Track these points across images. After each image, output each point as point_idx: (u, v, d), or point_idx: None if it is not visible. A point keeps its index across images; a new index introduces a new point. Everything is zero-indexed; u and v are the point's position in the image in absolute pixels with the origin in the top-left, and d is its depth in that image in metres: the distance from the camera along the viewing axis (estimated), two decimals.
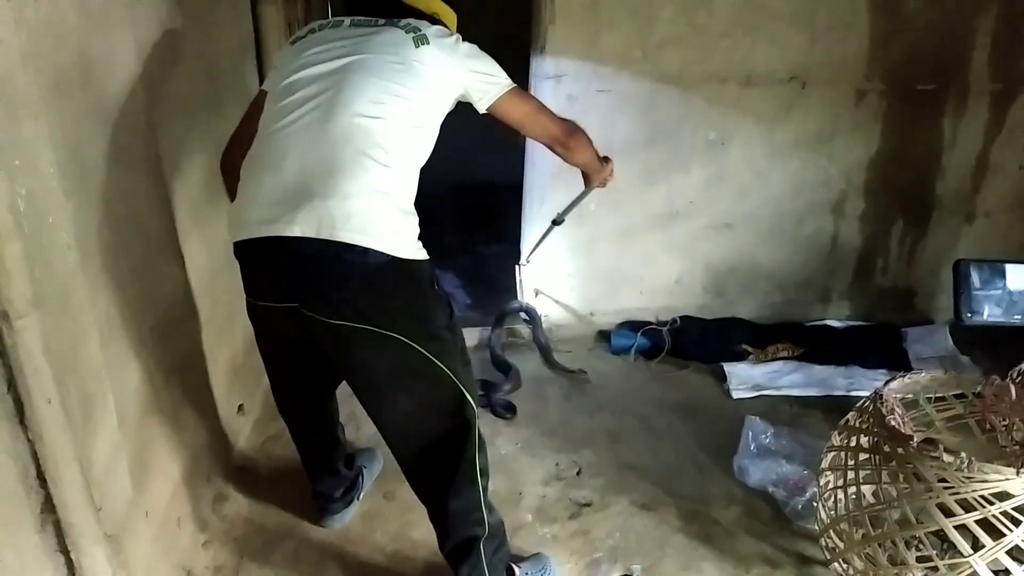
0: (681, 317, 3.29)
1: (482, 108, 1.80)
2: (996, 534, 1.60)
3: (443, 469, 1.72)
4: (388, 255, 1.53)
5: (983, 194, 3.29)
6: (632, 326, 3.29)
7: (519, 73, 3.01)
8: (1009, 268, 1.00)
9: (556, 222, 2.84)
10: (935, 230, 3.35)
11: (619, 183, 3.08)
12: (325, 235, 1.49)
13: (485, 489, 1.77)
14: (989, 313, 1.00)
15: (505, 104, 1.80)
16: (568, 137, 1.97)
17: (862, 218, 3.30)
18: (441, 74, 1.70)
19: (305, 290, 1.56)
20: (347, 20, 1.78)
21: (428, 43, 1.69)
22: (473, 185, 4.46)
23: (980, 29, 3.03)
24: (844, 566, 1.89)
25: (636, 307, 3.34)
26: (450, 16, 1.93)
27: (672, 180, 3.14)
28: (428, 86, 1.67)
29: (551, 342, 3.22)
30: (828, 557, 1.96)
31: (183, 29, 2.02)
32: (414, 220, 1.62)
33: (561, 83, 2.94)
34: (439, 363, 1.63)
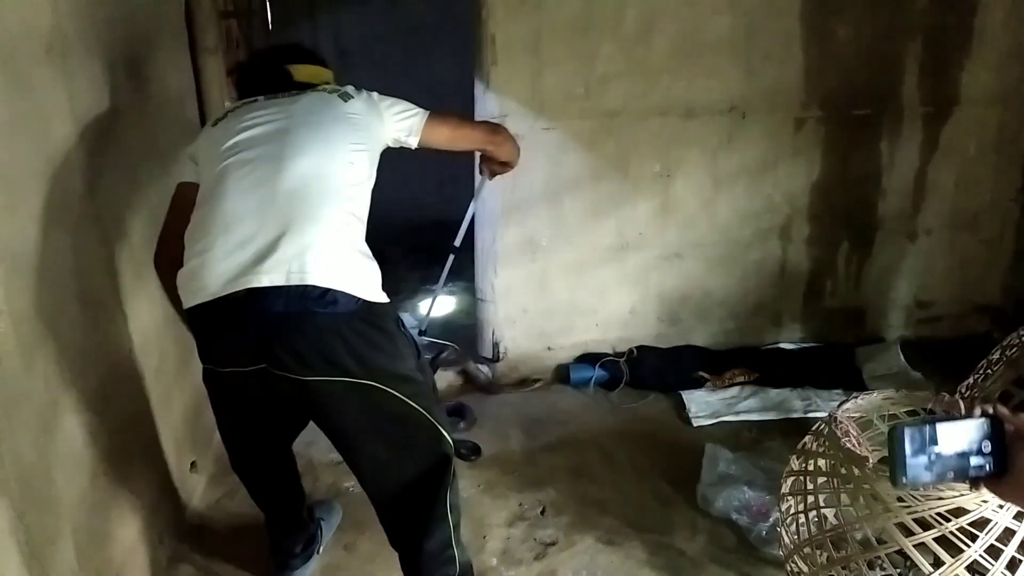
0: (637, 347, 3.30)
1: (413, 143, 1.89)
2: (955, 550, 1.61)
3: (420, 508, 1.73)
4: (358, 298, 1.55)
5: (923, 213, 3.38)
6: (590, 359, 3.30)
7: (465, 113, 3.05)
8: (940, 429, 1.02)
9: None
10: (880, 250, 3.42)
11: (569, 218, 3.14)
12: (295, 281, 1.49)
13: (457, 526, 1.79)
14: (921, 479, 1.03)
15: (430, 131, 1.89)
16: (493, 135, 2.13)
17: (808, 242, 3.36)
18: (371, 122, 1.78)
19: (274, 349, 1.53)
20: (261, 97, 1.82)
21: (352, 97, 1.80)
22: (425, 225, 4.46)
23: (908, 55, 3.13)
24: None
25: (593, 339, 3.35)
26: (332, 78, 2.03)
27: (620, 213, 3.18)
28: (365, 134, 1.75)
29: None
30: None
31: (119, 82, 1.99)
32: (375, 263, 1.65)
33: (506, 122, 2.95)
34: (414, 404, 1.64)
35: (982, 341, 3.07)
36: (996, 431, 1.06)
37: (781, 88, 3.11)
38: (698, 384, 3.17)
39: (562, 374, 3.30)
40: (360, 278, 1.58)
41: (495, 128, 2.17)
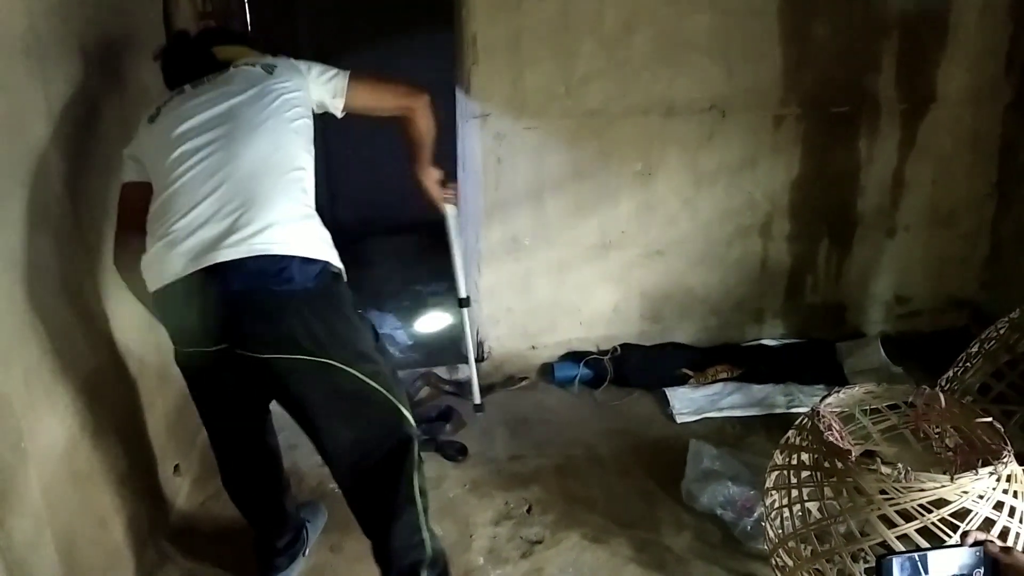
0: (621, 345, 3.31)
1: (339, 105, 1.91)
2: (937, 542, 1.63)
3: (385, 491, 1.74)
4: (316, 270, 1.60)
5: (902, 209, 3.42)
6: (574, 357, 3.30)
7: (446, 113, 3.05)
8: (932, 558, 1.01)
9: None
10: (859, 246, 3.45)
11: (552, 218, 3.15)
12: (258, 251, 1.54)
13: (426, 509, 1.81)
14: None
15: (354, 91, 1.91)
16: (415, 96, 2.05)
17: (789, 238, 3.39)
18: (299, 87, 1.81)
19: (235, 329, 1.59)
20: (186, 87, 1.82)
21: (276, 66, 1.83)
22: (407, 226, 4.45)
23: (885, 53, 3.16)
24: None
25: (577, 338, 3.36)
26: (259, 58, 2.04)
27: (602, 211, 3.19)
28: (298, 101, 1.79)
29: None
30: None
31: (97, 85, 1.98)
32: (327, 232, 1.70)
33: (488, 122, 2.96)
34: (374, 383, 1.67)
35: (961, 335, 3.11)
36: (989, 559, 1.05)
37: (760, 86, 3.13)
38: (681, 381, 3.18)
39: (546, 373, 3.31)
40: (317, 243, 1.63)
41: (418, 90, 2.08)
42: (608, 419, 2.99)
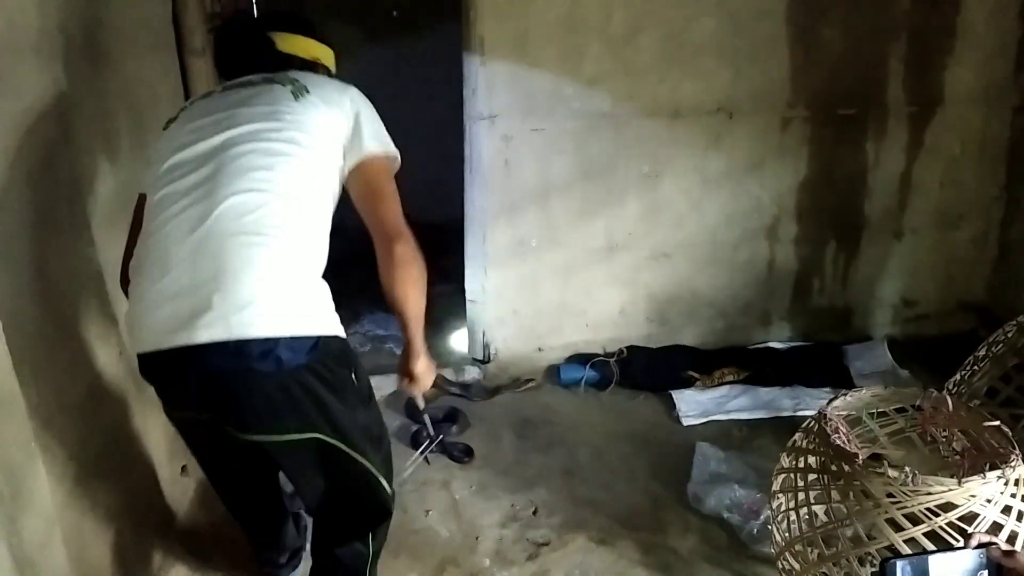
0: (627, 347, 3.31)
1: (349, 164, 1.59)
2: (944, 545, 1.62)
3: (346, 531, 1.72)
4: (307, 346, 1.41)
5: (908, 212, 3.41)
6: (580, 359, 3.30)
7: (453, 114, 3.06)
8: (933, 562, 1.01)
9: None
10: (866, 249, 3.44)
11: (559, 219, 3.15)
12: (237, 335, 1.35)
13: (376, 555, 1.75)
14: None
15: (371, 166, 1.59)
16: (408, 244, 1.60)
17: (796, 241, 3.38)
18: (325, 123, 1.54)
19: (217, 407, 1.48)
20: (219, 88, 1.64)
21: (308, 93, 1.56)
22: (413, 225, 4.45)
23: (892, 55, 3.16)
24: None
25: (583, 340, 3.36)
26: (331, 58, 1.81)
27: (609, 213, 3.19)
28: (313, 141, 1.51)
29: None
30: None
31: (107, 85, 1.98)
32: (326, 291, 1.49)
33: (495, 123, 2.96)
34: (356, 455, 1.56)
35: (968, 338, 3.10)
36: (993, 562, 1.04)
37: (767, 89, 3.13)
38: (688, 384, 3.18)
39: (553, 375, 3.31)
40: (309, 317, 1.43)
41: (416, 247, 1.63)
42: (614, 421, 2.99)
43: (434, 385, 3.11)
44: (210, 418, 1.51)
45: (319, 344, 1.43)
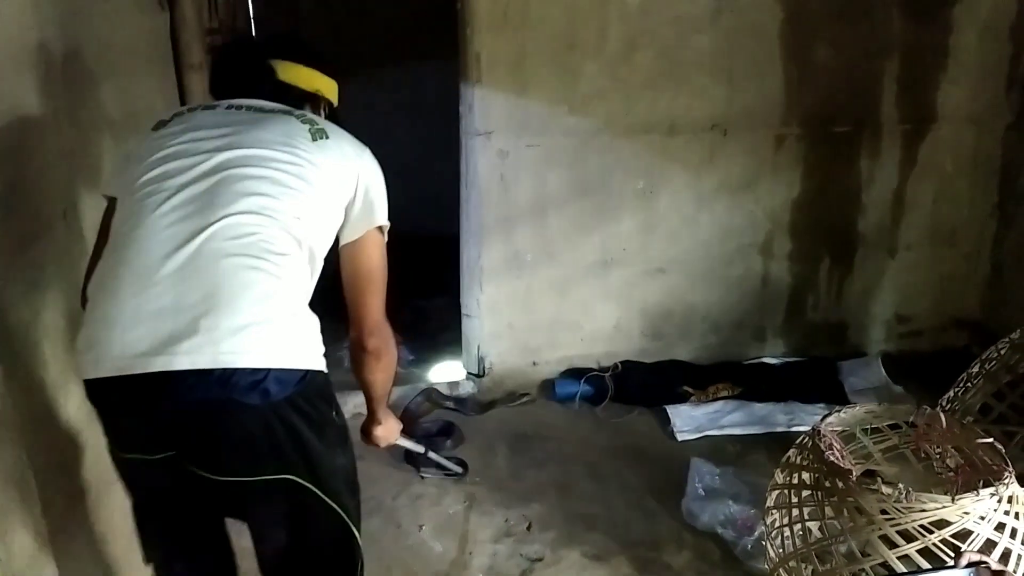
0: (622, 362, 3.31)
1: (350, 235, 1.51)
2: (938, 562, 1.63)
3: None
4: (294, 380, 1.30)
5: (903, 228, 3.43)
6: (575, 374, 3.30)
7: (449, 130, 3.08)
8: None
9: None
10: (860, 265, 3.46)
11: (554, 234, 3.16)
12: (224, 363, 1.23)
13: None
14: None
15: (372, 241, 1.53)
16: (382, 338, 1.59)
17: (790, 257, 3.40)
18: (338, 175, 1.45)
19: (188, 441, 1.30)
20: (223, 104, 1.51)
21: (327, 138, 1.46)
22: (409, 238, 4.45)
23: (886, 74, 3.19)
24: None
25: (578, 355, 3.36)
26: (334, 90, 1.70)
27: (604, 229, 3.20)
28: (324, 187, 1.42)
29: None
30: None
31: (105, 100, 1.99)
32: (316, 323, 1.39)
33: (491, 139, 2.98)
34: (330, 501, 1.41)
35: (962, 355, 3.12)
36: None
37: (762, 106, 3.15)
38: (682, 399, 3.18)
39: (547, 389, 3.30)
40: (300, 349, 1.33)
41: (392, 334, 1.62)
42: (609, 436, 2.99)
43: (429, 399, 3.15)
44: (170, 457, 1.32)
45: (306, 378, 1.33)
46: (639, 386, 3.22)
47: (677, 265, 3.31)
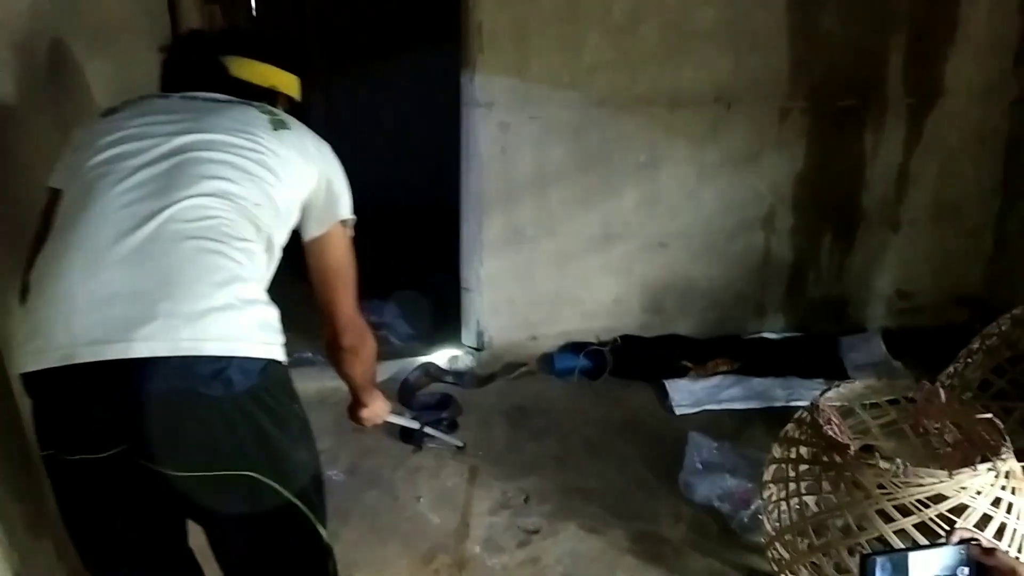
0: (621, 337, 3.31)
1: (315, 230, 1.48)
2: (934, 537, 1.63)
3: None
4: (258, 369, 1.23)
5: (906, 204, 3.40)
6: (574, 348, 3.30)
7: (450, 102, 3.05)
8: (913, 558, 1.01)
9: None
10: (863, 241, 3.44)
11: (555, 208, 3.14)
12: (186, 351, 1.16)
13: None
14: None
15: (337, 236, 1.50)
16: (356, 334, 1.58)
17: (792, 232, 3.38)
18: (299, 168, 1.41)
19: (142, 434, 1.19)
20: (176, 94, 1.46)
21: (288, 128, 1.42)
22: (409, 212, 4.45)
23: (892, 47, 3.15)
24: None
25: (577, 329, 3.36)
26: (294, 85, 1.62)
27: (606, 203, 3.18)
28: (286, 177, 1.38)
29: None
30: (775, 569, 1.97)
31: (101, 70, 1.97)
32: (277, 313, 1.32)
33: (492, 111, 2.95)
34: (293, 498, 1.33)
35: (962, 331, 3.09)
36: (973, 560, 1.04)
37: (766, 79, 3.12)
38: (681, 373, 3.18)
39: (547, 363, 3.30)
40: (262, 336, 1.26)
41: (358, 318, 1.59)
42: (607, 410, 2.99)
43: (428, 373, 3.15)
44: (119, 453, 1.21)
45: (268, 368, 1.25)
46: (638, 360, 3.22)
47: (678, 240, 3.30)
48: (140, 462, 1.22)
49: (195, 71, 1.50)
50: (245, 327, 1.23)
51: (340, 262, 1.52)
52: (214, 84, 1.47)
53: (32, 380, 1.19)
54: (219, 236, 1.24)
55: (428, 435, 2.66)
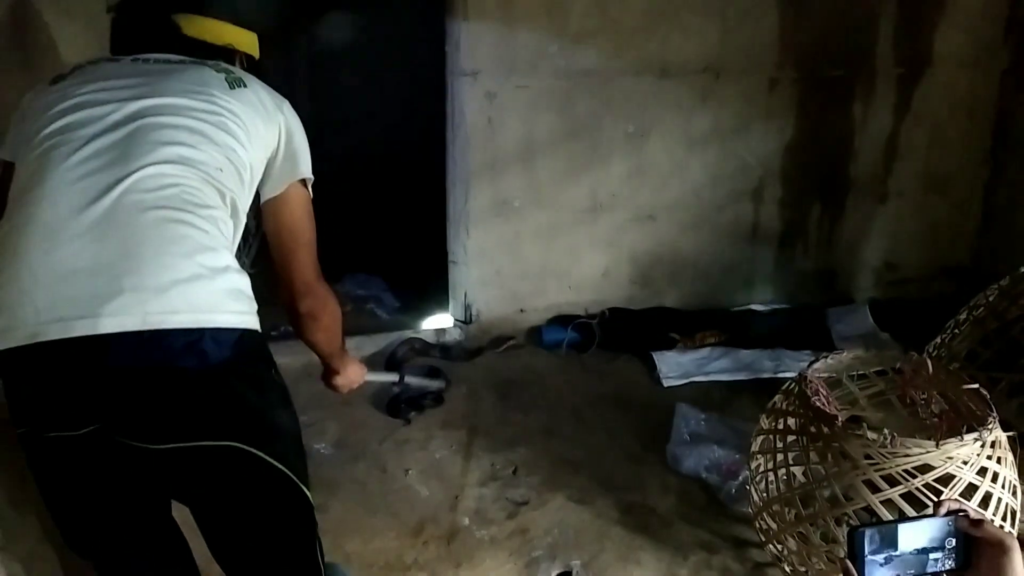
0: (610, 309, 3.30)
1: (272, 190, 1.43)
2: (920, 506, 1.64)
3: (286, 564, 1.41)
4: (232, 340, 1.21)
5: (895, 175, 3.40)
6: (562, 320, 3.29)
7: (435, 70, 3.00)
8: (901, 530, 1.01)
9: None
10: (851, 212, 3.44)
11: (542, 179, 3.11)
12: (154, 324, 1.12)
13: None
14: None
15: (296, 196, 1.44)
16: (316, 297, 1.50)
17: (780, 203, 3.37)
18: (259, 125, 1.36)
19: (117, 410, 1.17)
20: (127, 57, 1.40)
21: (245, 86, 1.37)
22: (395, 184, 4.40)
23: (883, 16, 3.13)
24: (779, 547, 1.91)
25: (565, 301, 3.34)
26: (251, 42, 1.55)
27: (594, 174, 3.15)
28: (245, 137, 1.33)
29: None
30: (763, 539, 1.98)
31: (74, 40, 1.92)
32: (248, 281, 1.29)
33: (478, 80, 2.91)
34: (278, 464, 1.30)
35: (950, 302, 3.10)
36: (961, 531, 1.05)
37: (756, 48, 3.09)
38: (669, 345, 3.18)
39: (535, 336, 3.29)
40: (234, 306, 1.23)
41: (330, 290, 1.54)
42: (595, 382, 2.99)
43: (414, 348, 3.13)
44: (96, 431, 1.19)
45: (243, 338, 1.23)
46: (626, 332, 3.22)
47: (667, 211, 3.28)
48: (118, 439, 1.19)
49: (146, 31, 1.43)
50: (215, 297, 1.19)
51: (298, 223, 1.46)
52: (167, 44, 1.41)
53: (1, 360, 1.15)
54: (182, 205, 1.20)
55: (408, 384, 2.64)
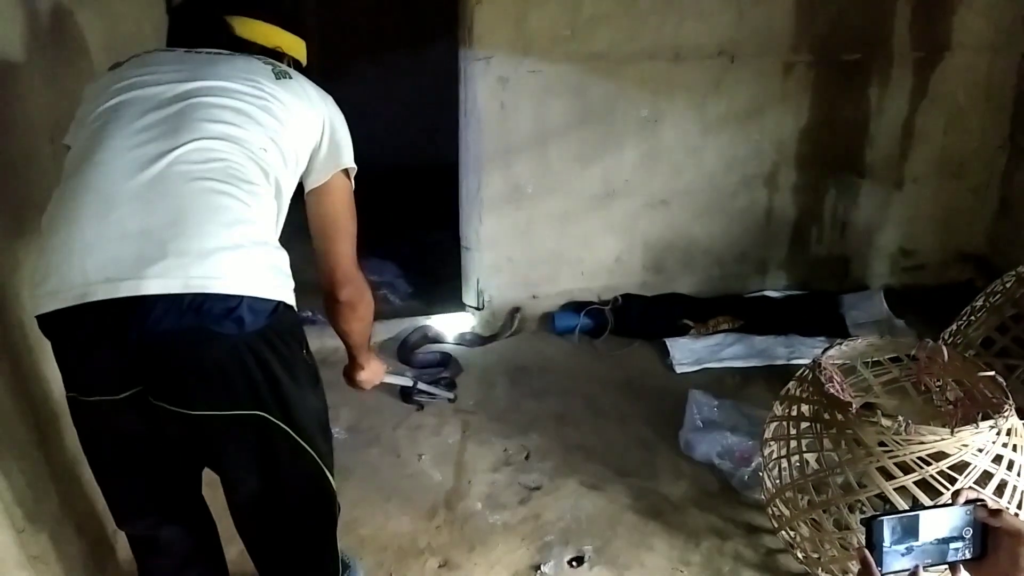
0: (623, 295, 3.29)
1: (316, 180, 1.49)
2: (934, 494, 1.63)
3: (303, 559, 1.47)
4: (269, 310, 1.26)
5: (911, 160, 3.36)
6: (575, 307, 3.29)
7: (448, 55, 2.99)
8: (923, 518, 1.00)
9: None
10: (866, 198, 3.41)
11: (555, 165, 3.10)
12: (196, 288, 1.17)
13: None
14: (900, 566, 1.00)
15: (339, 186, 1.50)
16: (355, 287, 1.57)
17: (795, 189, 3.34)
18: (303, 116, 1.42)
19: (157, 373, 1.23)
20: (181, 50, 1.47)
21: (291, 78, 1.44)
22: (408, 170, 4.40)
23: None
24: (791, 533, 1.91)
25: (578, 288, 3.34)
26: (299, 47, 1.61)
27: (607, 159, 3.14)
28: (290, 123, 1.39)
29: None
30: (775, 526, 1.99)
31: (90, 21, 1.92)
32: (286, 257, 1.35)
33: (491, 64, 2.89)
34: (302, 442, 1.36)
35: (966, 289, 3.10)
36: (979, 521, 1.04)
37: (771, 31, 3.05)
38: (682, 331, 3.17)
39: (547, 322, 3.29)
40: (273, 278, 1.28)
41: (367, 282, 1.61)
42: (608, 369, 2.99)
43: (427, 335, 3.14)
44: (136, 395, 1.25)
45: (278, 311, 1.28)
46: (639, 319, 3.21)
47: (680, 197, 3.26)
48: (156, 403, 1.25)
49: (200, 29, 1.50)
50: (255, 267, 1.25)
51: (341, 212, 1.52)
52: (219, 42, 1.48)
53: (49, 321, 1.21)
54: (226, 178, 1.26)
55: (421, 391, 2.66)
